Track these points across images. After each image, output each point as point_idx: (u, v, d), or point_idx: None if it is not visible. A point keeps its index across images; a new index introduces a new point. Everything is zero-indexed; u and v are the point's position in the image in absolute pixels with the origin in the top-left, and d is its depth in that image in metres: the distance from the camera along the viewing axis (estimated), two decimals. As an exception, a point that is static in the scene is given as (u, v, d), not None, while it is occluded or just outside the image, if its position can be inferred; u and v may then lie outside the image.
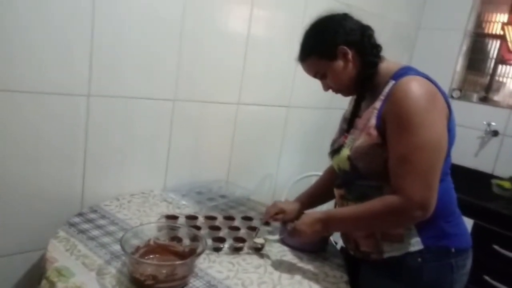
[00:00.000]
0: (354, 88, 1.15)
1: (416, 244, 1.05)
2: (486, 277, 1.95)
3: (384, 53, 1.14)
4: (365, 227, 1.10)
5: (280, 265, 1.19)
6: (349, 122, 1.18)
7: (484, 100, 2.58)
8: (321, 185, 1.43)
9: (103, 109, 1.44)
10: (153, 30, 1.49)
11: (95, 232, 1.23)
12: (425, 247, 1.05)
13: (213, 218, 1.37)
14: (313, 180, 2.19)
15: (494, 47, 2.58)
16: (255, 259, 1.20)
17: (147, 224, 1.18)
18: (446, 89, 2.05)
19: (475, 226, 1.95)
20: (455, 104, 1.06)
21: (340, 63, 1.10)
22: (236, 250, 1.22)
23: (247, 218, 1.42)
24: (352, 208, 1.10)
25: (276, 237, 1.29)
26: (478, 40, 2.64)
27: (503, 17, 2.53)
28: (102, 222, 1.31)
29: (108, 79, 1.43)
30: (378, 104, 1.05)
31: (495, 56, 2.57)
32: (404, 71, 1.05)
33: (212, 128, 1.82)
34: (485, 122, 2.44)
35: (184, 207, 1.53)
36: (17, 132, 1.27)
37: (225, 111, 1.85)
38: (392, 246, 1.07)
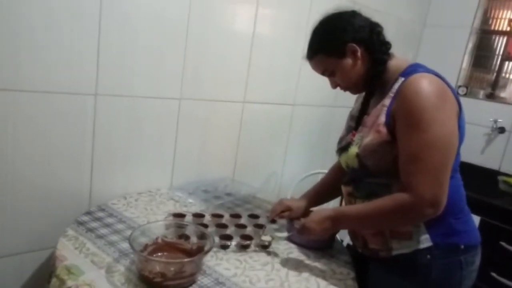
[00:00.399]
0: (362, 85, 1.14)
1: (425, 241, 1.05)
2: (493, 274, 1.95)
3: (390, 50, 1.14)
4: (375, 225, 1.10)
5: (287, 262, 1.19)
6: (357, 120, 1.17)
7: (491, 97, 2.57)
8: (327, 183, 1.42)
9: (110, 108, 1.45)
10: (159, 29, 1.50)
11: (103, 231, 1.24)
12: (434, 244, 1.05)
13: (220, 216, 1.38)
14: (319, 178, 2.19)
15: (500, 43, 2.56)
16: (262, 257, 1.21)
17: (155, 222, 1.18)
18: (452, 86, 2.03)
19: (482, 223, 1.94)
20: (461, 101, 1.06)
21: (348, 60, 1.10)
22: (243, 248, 1.23)
23: (254, 216, 1.43)
24: (362, 206, 1.10)
25: (283, 234, 1.29)
26: (484, 37, 2.62)
27: (510, 14, 2.51)
28: (110, 220, 1.32)
29: (115, 78, 1.43)
30: (387, 101, 1.05)
31: (501, 53, 2.55)
32: (414, 68, 1.04)
33: (217, 127, 1.83)
34: (491, 119, 2.42)
35: (191, 205, 1.54)
36: (25, 132, 1.29)
37: (231, 109, 1.86)
38: (400, 243, 1.07)
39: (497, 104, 2.49)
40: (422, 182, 0.95)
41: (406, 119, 0.98)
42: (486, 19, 2.61)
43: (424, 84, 0.98)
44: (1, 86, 1.21)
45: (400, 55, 1.16)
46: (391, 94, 1.04)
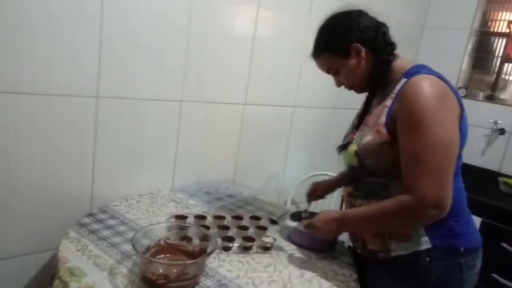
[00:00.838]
0: (366, 85, 1.15)
1: (424, 243, 1.05)
2: (495, 275, 1.95)
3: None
4: (378, 227, 1.10)
5: (289, 264, 1.19)
6: (359, 119, 1.18)
7: (490, 98, 2.57)
8: None
9: (112, 111, 1.46)
10: (160, 31, 1.50)
11: (105, 232, 1.24)
12: (433, 246, 1.04)
13: (222, 218, 1.38)
14: (320, 179, 2.20)
15: (500, 45, 2.57)
16: (264, 258, 1.21)
17: (157, 224, 1.19)
18: (452, 88, 2.03)
19: (482, 224, 1.94)
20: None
21: (353, 60, 1.11)
22: (245, 249, 1.23)
23: (256, 218, 1.43)
24: (365, 208, 1.10)
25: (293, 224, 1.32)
26: (483, 38, 2.63)
27: (509, 16, 2.52)
28: (111, 222, 1.32)
29: (116, 80, 1.44)
30: (388, 102, 1.05)
31: (501, 54, 2.56)
32: (417, 70, 1.04)
33: (219, 129, 1.83)
34: (491, 121, 2.43)
35: (192, 207, 1.54)
36: (27, 134, 1.29)
37: (232, 111, 1.86)
38: (399, 244, 1.07)
39: (497, 105, 2.49)
40: (424, 184, 0.95)
41: (407, 121, 0.98)
42: (485, 21, 2.62)
43: (425, 85, 0.98)
44: (3, 89, 1.21)
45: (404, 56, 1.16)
46: (392, 95, 1.04)
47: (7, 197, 1.30)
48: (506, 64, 2.55)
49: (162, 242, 1.12)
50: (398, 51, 1.13)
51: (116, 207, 1.45)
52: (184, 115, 1.67)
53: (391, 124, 1.02)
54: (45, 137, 1.33)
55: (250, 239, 1.26)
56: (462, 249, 1.05)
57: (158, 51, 1.52)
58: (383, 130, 1.03)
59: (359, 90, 1.19)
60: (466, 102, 1.06)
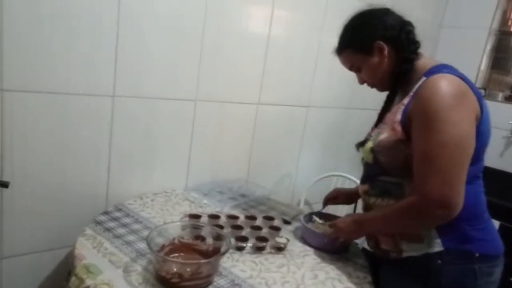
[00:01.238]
0: (388, 83, 1.15)
1: (436, 245, 1.03)
2: (512, 280, 1.90)
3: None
4: (394, 228, 1.10)
5: (302, 265, 1.19)
6: (379, 116, 1.18)
7: (510, 99, 2.52)
8: None
9: (127, 109, 1.47)
10: (175, 32, 1.51)
11: (121, 230, 1.26)
12: (445, 249, 1.02)
13: (235, 217, 1.38)
14: (334, 181, 2.19)
15: (519, 45, 2.51)
16: (277, 259, 1.21)
17: (171, 223, 1.20)
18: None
19: (501, 228, 1.90)
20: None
21: (375, 58, 1.10)
22: (258, 250, 1.23)
23: (269, 218, 1.43)
24: (383, 210, 1.10)
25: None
26: (503, 38, 2.57)
27: (530, 14, 2.46)
28: (126, 220, 1.34)
29: (132, 80, 1.45)
30: (406, 100, 1.04)
31: (521, 54, 2.50)
32: (438, 69, 1.03)
33: (232, 128, 1.84)
34: (510, 122, 2.38)
35: (206, 206, 1.54)
36: (44, 133, 1.31)
37: (245, 111, 1.86)
38: (410, 245, 1.06)
39: (516, 106, 2.44)
40: (430, 183, 0.94)
41: (421, 119, 0.97)
42: (505, 20, 2.56)
43: (443, 84, 0.96)
44: (21, 88, 1.24)
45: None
46: (411, 93, 1.03)
47: (25, 195, 1.32)
48: (526, 64, 2.49)
49: (176, 241, 1.13)
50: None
51: (131, 206, 1.46)
52: (198, 114, 1.68)
53: (407, 122, 1.01)
54: (62, 136, 1.35)
55: (263, 239, 1.26)
56: (477, 255, 1.03)
57: (172, 51, 1.53)
58: (398, 128, 1.03)
59: (381, 88, 1.18)
60: (484, 103, 1.04)
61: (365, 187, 1.18)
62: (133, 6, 1.38)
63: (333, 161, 2.36)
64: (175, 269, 0.98)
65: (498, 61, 2.59)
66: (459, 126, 0.94)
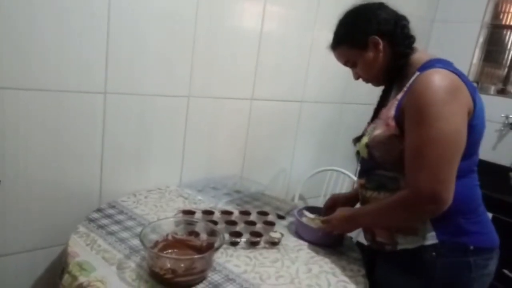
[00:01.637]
0: (383, 78, 1.14)
1: (431, 238, 1.04)
2: (505, 271, 1.92)
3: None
4: (386, 222, 1.10)
5: (297, 259, 1.19)
6: (375, 112, 1.18)
7: (502, 92, 2.53)
8: None
9: (119, 106, 1.46)
10: (167, 27, 1.50)
11: (114, 227, 1.25)
12: (440, 242, 1.03)
13: (229, 213, 1.38)
14: (328, 175, 2.20)
15: (511, 38, 2.52)
16: (271, 253, 1.21)
17: (165, 219, 1.19)
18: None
19: (493, 220, 1.91)
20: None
21: (370, 53, 1.10)
22: (252, 245, 1.23)
23: (263, 213, 1.43)
24: (374, 204, 1.11)
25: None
26: (495, 31, 2.58)
27: (521, 7, 2.47)
28: (120, 217, 1.33)
29: (124, 76, 1.44)
30: (400, 95, 1.04)
31: (513, 47, 2.52)
32: (431, 63, 1.02)
33: (226, 124, 1.83)
34: (503, 115, 2.39)
35: (200, 202, 1.54)
36: (36, 131, 1.30)
37: (239, 106, 1.86)
38: (406, 238, 1.07)
39: (508, 99, 2.45)
40: (420, 178, 0.95)
41: (412, 114, 0.98)
42: (497, 13, 2.57)
43: (435, 79, 0.96)
44: (13, 86, 1.22)
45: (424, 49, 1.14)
46: (405, 89, 1.04)
47: (17, 193, 1.31)
48: (518, 57, 2.50)
49: (170, 237, 1.12)
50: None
51: (125, 203, 1.46)
52: (191, 110, 1.67)
53: (400, 117, 1.02)
54: (54, 133, 1.34)
55: (257, 234, 1.26)
56: (471, 247, 1.03)
57: (164, 47, 1.52)
58: (392, 123, 1.03)
59: (376, 83, 1.18)
60: (476, 97, 1.04)
61: (362, 181, 1.18)
62: (124, 2, 1.37)
63: (328, 156, 2.37)
64: (168, 265, 0.98)
65: (490, 54, 2.60)
66: (451, 121, 0.94)
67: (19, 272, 1.39)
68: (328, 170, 2.18)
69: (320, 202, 2.14)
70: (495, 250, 1.09)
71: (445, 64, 1.02)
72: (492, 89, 2.57)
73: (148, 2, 1.43)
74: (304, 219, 1.36)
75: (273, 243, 1.25)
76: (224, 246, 1.20)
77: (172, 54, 1.55)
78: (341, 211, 1.21)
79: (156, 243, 1.08)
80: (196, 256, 1.05)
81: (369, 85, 1.21)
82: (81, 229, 1.22)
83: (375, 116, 1.16)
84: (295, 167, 2.22)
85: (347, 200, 1.36)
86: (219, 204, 1.53)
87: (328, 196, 1.89)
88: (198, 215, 1.34)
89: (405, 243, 1.07)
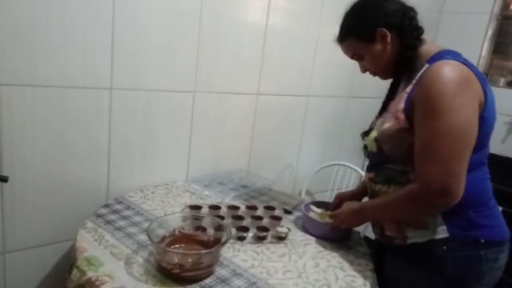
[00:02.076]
0: (391, 71, 1.13)
1: (441, 232, 1.03)
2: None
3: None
4: (394, 216, 1.10)
5: (304, 254, 1.19)
6: (383, 105, 1.17)
7: (511, 84, 2.49)
8: None
9: (125, 102, 1.46)
10: (172, 22, 1.50)
11: (121, 223, 1.26)
12: (450, 235, 1.02)
13: (236, 208, 1.38)
14: (335, 170, 2.18)
15: (521, 29, 2.48)
16: (279, 248, 1.20)
17: (172, 214, 1.19)
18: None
19: (503, 214, 1.89)
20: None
21: (378, 45, 1.09)
22: (259, 239, 1.23)
23: (270, 208, 1.42)
24: (382, 198, 1.10)
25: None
26: (504, 22, 2.54)
27: (532, -2, 2.43)
28: (127, 213, 1.34)
29: (129, 72, 1.44)
30: (409, 88, 1.03)
31: (523, 39, 2.47)
32: (441, 55, 1.01)
33: (232, 119, 1.83)
34: (512, 107, 2.36)
35: (207, 198, 1.54)
36: (43, 128, 1.31)
37: (245, 101, 1.85)
38: (416, 232, 1.06)
39: (518, 91, 2.41)
40: (430, 171, 0.93)
41: (423, 107, 0.96)
42: (506, 4, 2.52)
43: (445, 71, 0.94)
44: (19, 82, 1.23)
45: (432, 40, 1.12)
46: (414, 81, 1.02)
47: (26, 190, 1.32)
48: (528, 49, 2.46)
49: (177, 232, 1.13)
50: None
51: (132, 198, 1.46)
52: (197, 105, 1.67)
53: (410, 110, 1.00)
54: (61, 130, 1.35)
55: (264, 229, 1.25)
56: (482, 241, 1.02)
57: (170, 42, 1.51)
58: (401, 116, 1.02)
59: (383, 76, 1.17)
60: (485, 89, 1.02)
61: (371, 174, 1.17)
62: (129, -4, 1.37)
63: (334, 150, 2.36)
64: (176, 260, 0.98)
65: (499, 46, 2.56)
66: (462, 114, 0.93)
67: (28, 267, 1.40)
68: (335, 164, 2.17)
69: (327, 197, 2.14)
70: (505, 244, 1.07)
71: (455, 55, 1.01)
72: (502, 81, 2.53)
73: (152, -3, 1.42)
74: (311, 214, 1.35)
75: (280, 238, 1.25)
76: (231, 241, 1.20)
77: (177, 49, 1.54)
78: (348, 205, 1.20)
79: (164, 238, 1.09)
80: (203, 251, 1.05)
81: (376, 78, 1.19)
82: (89, 224, 1.23)
83: (383, 110, 1.15)
84: (302, 162, 2.22)
85: (353, 196, 1.35)
86: (226, 199, 1.53)
87: (335, 191, 1.90)
88: (205, 210, 1.34)
89: (415, 237, 1.06)
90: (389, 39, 1.07)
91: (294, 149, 2.17)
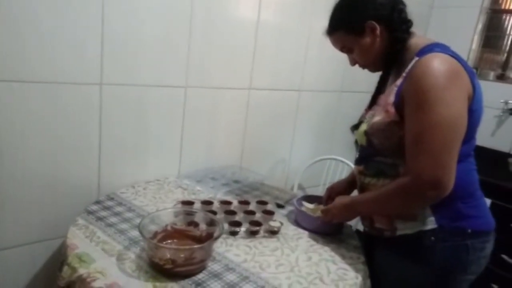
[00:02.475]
0: (380, 64, 1.13)
1: (429, 223, 1.04)
2: (504, 256, 1.94)
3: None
4: (385, 209, 1.10)
5: (296, 248, 1.19)
6: (373, 98, 1.17)
7: (501, 78, 2.52)
8: None
9: (116, 97, 1.45)
10: (162, 16, 1.48)
11: (113, 219, 1.25)
12: (438, 226, 1.04)
13: (229, 203, 1.38)
14: (327, 164, 2.19)
15: (511, 23, 2.50)
16: (271, 242, 1.21)
17: (164, 210, 1.19)
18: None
19: (492, 206, 1.92)
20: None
21: (367, 38, 1.09)
22: (252, 234, 1.23)
23: (262, 202, 1.42)
24: (373, 192, 1.11)
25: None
26: (494, 16, 2.56)
27: (521, -9, 2.45)
28: (119, 209, 1.33)
29: (120, 67, 1.43)
30: (399, 81, 1.03)
31: (512, 32, 2.49)
32: (430, 48, 1.01)
33: (224, 114, 1.82)
34: (502, 101, 2.38)
35: (199, 193, 1.54)
36: (32, 123, 1.29)
37: (237, 96, 1.85)
38: (405, 224, 1.07)
39: (508, 85, 2.43)
40: (421, 164, 0.94)
41: (413, 100, 0.97)
42: (496, -2, 2.54)
43: (434, 64, 0.95)
44: (8, 78, 1.21)
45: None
46: (404, 74, 1.02)
47: (16, 187, 1.31)
48: (517, 43, 2.48)
49: (169, 228, 1.12)
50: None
51: (123, 194, 1.46)
52: (189, 101, 1.66)
53: (400, 103, 1.01)
54: (51, 125, 1.33)
55: (257, 223, 1.25)
56: (469, 231, 1.04)
57: (161, 36, 1.50)
58: (391, 110, 1.02)
59: (373, 69, 1.17)
60: (475, 82, 1.03)
61: (360, 167, 1.18)
62: (117, -10, 1.35)
63: (327, 144, 2.36)
64: (168, 255, 0.98)
65: (489, 39, 2.58)
66: (452, 106, 0.94)
67: (19, 265, 1.39)
68: (327, 159, 2.18)
69: (319, 191, 2.15)
70: (491, 233, 1.10)
71: (443, 48, 1.01)
72: (491, 74, 2.55)
73: (142, -9, 1.41)
74: (303, 208, 1.36)
75: (273, 232, 1.25)
76: (224, 235, 1.20)
77: (169, 44, 1.53)
78: (340, 200, 1.20)
79: (156, 234, 1.08)
80: (195, 246, 1.05)
81: (367, 72, 1.20)
82: (80, 221, 1.22)
83: (373, 103, 1.15)
84: (294, 156, 2.22)
85: (345, 188, 1.36)
86: (218, 194, 1.53)
87: (327, 185, 1.90)
88: (197, 205, 1.34)
89: (404, 229, 1.07)
90: (378, 32, 1.07)
91: (286, 143, 2.17)
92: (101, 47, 1.36)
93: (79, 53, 1.32)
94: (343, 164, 2.12)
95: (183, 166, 1.74)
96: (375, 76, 1.20)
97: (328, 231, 1.29)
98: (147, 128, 1.57)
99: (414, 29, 1.10)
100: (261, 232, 1.25)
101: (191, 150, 1.74)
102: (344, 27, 1.12)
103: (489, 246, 1.09)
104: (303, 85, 2.10)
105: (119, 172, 1.54)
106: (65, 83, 1.32)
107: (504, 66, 2.52)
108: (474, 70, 2.54)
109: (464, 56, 2.54)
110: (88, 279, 0.94)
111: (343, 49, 1.16)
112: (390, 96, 1.04)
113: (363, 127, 1.10)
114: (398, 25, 1.07)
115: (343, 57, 1.21)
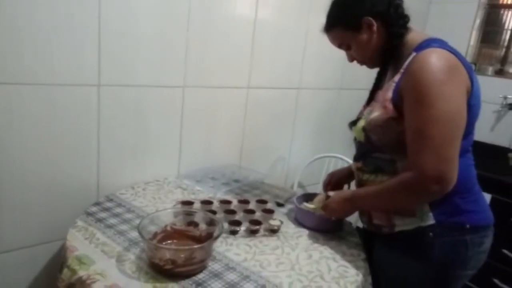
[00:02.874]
0: (378, 60, 1.13)
1: (428, 219, 1.04)
2: (505, 251, 1.93)
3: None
4: (387, 205, 1.10)
5: (297, 246, 1.19)
6: (370, 94, 1.17)
7: (500, 73, 2.51)
8: None
9: (114, 99, 1.44)
10: (160, 16, 1.48)
11: (113, 220, 1.25)
12: (437, 222, 1.03)
13: (228, 202, 1.38)
14: (327, 162, 2.19)
15: (509, 18, 2.49)
16: (271, 241, 1.20)
17: (163, 210, 1.18)
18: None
19: (492, 201, 1.92)
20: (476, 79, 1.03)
21: (364, 35, 1.09)
22: (252, 233, 1.23)
23: (262, 201, 1.42)
24: (374, 187, 1.10)
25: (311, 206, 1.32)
26: (492, 11, 2.55)
27: (519, -14, 2.44)
28: (118, 210, 1.33)
29: (117, 68, 1.42)
30: (397, 77, 1.03)
31: (510, 27, 2.48)
32: (428, 43, 1.01)
33: (223, 113, 1.82)
34: (501, 96, 2.37)
35: (199, 193, 1.54)
36: (30, 126, 1.29)
37: (235, 95, 1.84)
38: (403, 220, 1.07)
39: (506, 80, 2.43)
40: (425, 159, 0.94)
41: (412, 95, 0.96)
42: (494, -7, 2.54)
43: (433, 59, 0.95)
44: (5, 80, 1.21)
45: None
46: (401, 70, 1.02)
47: (14, 190, 1.30)
48: (515, 37, 2.47)
49: (168, 228, 1.12)
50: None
51: (123, 195, 1.45)
52: (187, 101, 1.66)
53: (398, 99, 1.00)
54: (49, 127, 1.32)
55: (257, 222, 1.25)
56: (468, 226, 1.04)
57: (158, 36, 1.49)
58: (389, 106, 1.02)
59: (371, 65, 1.17)
60: (474, 78, 1.03)
61: (359, 164, 1.18)
62: (113, -9, 1.34)
63: (326, 142, 2.36)
64: (168, 256, 0.97)
65: (487, 35, 2.57)
66: (451, 101, 0.93)
67: (19, 268, 1.38)
68: (326, 156, 2.17)
69: (319, 189, 2.14)
70: (490, 228, 1.09)
71: (441, 43, 1.01)
72: (490, 70, 2.54)
73: (138, -9, 1.40)
74: (303, 206, 1.35)
75: (273, 231, 1.25)
76: (224, 235, 1.19)
77: (166, 43, 1.53)
78: (339, 194, 1.19)
79: (155, 235, 1.08)
80: (195, 246, 1.04)
81: (366, 70, 1.19)
82: (80, 223, 1.21)
83: (370, 99, 1.15)
84: (294, 155, 2.22)
85: (345, 175, 1.37)
86: (218, 194, 1.53)
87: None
88: (197, 205, 1.34)
89: (402, 225, 1.07)
90: (375, 28, 1.07)
91: (285, 142, 2.17)
92: (98, 48, 1.36)
93: (76, 55, 1.32)
94: (343, 162, 2.12)
95: (183, 166, 1.74)
96: (374, 73, 1.20)
97: (329, 228, 1.28)
98: (146, 128, 1.57)
99: (412, 24, 1.10)
100: (261, 231, 1.24)
101: (190, 150, 1.74)
102: (341, 24, 1.12)
103: (488, 241, 1.09)
104: (302, 83, 2.09)
105: (118, 173, 1.54)
106: (62, 85, 1.31)
107: (503, 61, 2.51)
108: (472, 65, 2.55)
109: (462, 51, 2.54)
110: (88, 281, 0.94)
111: (341, 45, 1.16)
112: (388, 92, 1.04)
113: (361, 123, 1.10)
114: (395, 21, 1.07)
115: (342, 54, 1.21)
